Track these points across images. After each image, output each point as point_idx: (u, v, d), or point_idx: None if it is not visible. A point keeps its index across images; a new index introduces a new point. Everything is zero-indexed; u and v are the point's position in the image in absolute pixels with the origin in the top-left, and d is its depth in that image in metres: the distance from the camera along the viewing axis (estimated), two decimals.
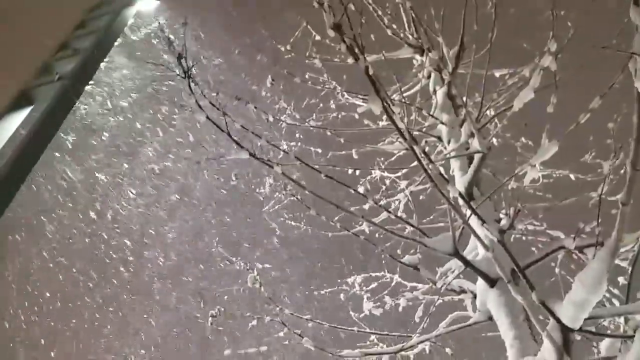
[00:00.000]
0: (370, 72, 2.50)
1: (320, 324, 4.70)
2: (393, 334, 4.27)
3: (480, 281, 3.80)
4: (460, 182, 4.20)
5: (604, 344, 3.16)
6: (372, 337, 5.05)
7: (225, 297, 5.24)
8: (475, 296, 3.91)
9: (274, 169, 3.53)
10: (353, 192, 4.32)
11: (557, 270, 4.15)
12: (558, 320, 2.72)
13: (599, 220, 3.20)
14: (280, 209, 5.57)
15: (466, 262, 3.70)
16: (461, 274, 4.07)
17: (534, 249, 4.85)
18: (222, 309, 5.29)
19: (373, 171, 6.40)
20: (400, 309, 4.90)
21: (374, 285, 5.61)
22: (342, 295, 5.61)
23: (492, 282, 3.70)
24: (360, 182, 6.20)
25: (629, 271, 3.13)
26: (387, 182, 6.48)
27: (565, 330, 2.73)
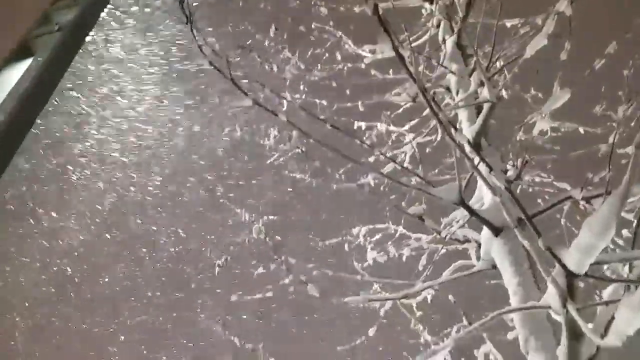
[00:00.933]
0: (380, 12, 2.41)
1: (324, 273, 4.76)
2: (397, 281, 4.31)
3: (485, 230, 3.80)
4: (468, 132, 4.15)
5: (607, 291, 3.18)
6: (376, 286, 5.12)
7: (231, 247, 5.28)
8: (479, 245, 3.93)
9: (279, 117, 3.48)
10: (359, 142, 4.28)
11: (562, 221, 4.15)
12: (563, 266, 2.73)
13: (609, 170, 3.16)
14: (285, 160, 5.55)
15: (471, 211, 3.69)
16: (466, 224, 4.08)
17: (540, 201, 4.84)
18: (228, 258, 5.37)
19: (379, 125, 6.34)
20: (404, 258, 4.95)
21: (378, 236, 5.65)
22: (346, 246, 5.66)
23: (496, 231, 3.70)
24: (366, 136, 6.15)
25: (635, 223, 3.12)
26: (393, 136, 6.43)
27: (570, 276, 2.74)
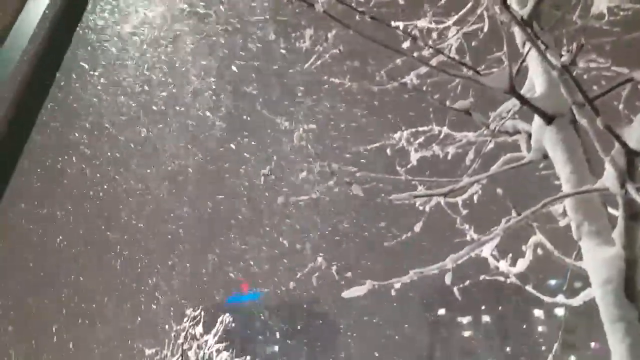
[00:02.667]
0: None
1: (367, 175, 4.76)
2: (442, 179, 4.26)
3: (537, 119, 3.64)
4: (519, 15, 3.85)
5: None
6: (420, 187, 5.10)
7: (274, 156, 5.31)
8: (530, 136, 3.78)
9: (315, 7, 3.30)
10: (402, 34, 4.07)
11: (620, 107, 3.92)
12: (623, 144, 2.59)
13: None
14: (323, 63, 5.38)
15: (522, 99, 3.52)
16: (516, 115, 3.91)
17: (595, 87, 4.55)
18: (272, 167, 5.43)
19: (418, 22, 5.98)
20: (449, 157, 4.85)
21: (421, 139, 5.53)
22: (388, 150, 5.58)
23: (549, 119, 3.53)
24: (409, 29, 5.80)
25: None
26: (435, 35, 6.08)
27: (630, 154, 2.61)
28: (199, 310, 7.70)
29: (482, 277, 5.26)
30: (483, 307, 79.05)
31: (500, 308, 76.57)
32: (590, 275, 2.99)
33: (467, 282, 5.24)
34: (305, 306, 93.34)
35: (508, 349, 73.97)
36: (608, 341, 2.86)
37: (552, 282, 74.51)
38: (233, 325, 8.85)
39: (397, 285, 4.41)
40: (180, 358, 7.20)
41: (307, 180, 4.81)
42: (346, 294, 4.44)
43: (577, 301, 3.87)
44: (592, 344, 72.93)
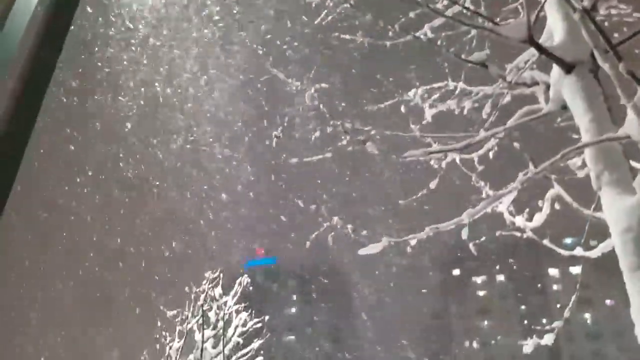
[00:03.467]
0: None
1: (381, 133, 4.70)
2: (457, 134, 4.20)
3: (555, 69, 3.53)
4: None
5: None
6: (435, 145, 5.03)
7: (286, 117, 5.26)
8: (548, 87, 3.68)
9: None
10: None
11: None
12: None
13: None
14: (333, 19, 5.24)
15: (541, 49, 3.41)
16: (534, 65, 3.80)
17: (616, 35, 4.39)
18: (283, 127, 5.38)
19: None
20: (465, 112, 4.77)
21: (436, 95, 5.42)
22: (402, 108, 5.49)
23: (568, 67, 3.43)
24: None
25: None
26: None
27: None
28: (217, 272, 7.83)
29: (498, 232, 5.25)
30: (497, 267, 79.54)
31: (515, 267, 76.97)
32: (609, 225, 2.96)
33: (483, 238, 5.23)
34: (321, 269, 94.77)
35: (523, 307, 74.72)
36: (627, 290, 2.85)
37: (568, 240, 74.44)
38: (251, 288, 8.98)
39: (413, 242, 4.41)
40: (201, 319, 7.38)
41: (321, 140, 4.77)
42: (362, 251, 4.46)
43: (594, 253, 3.84)
44: (608, 301, 73.39)
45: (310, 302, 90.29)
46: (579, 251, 4.02)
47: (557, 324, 4.39)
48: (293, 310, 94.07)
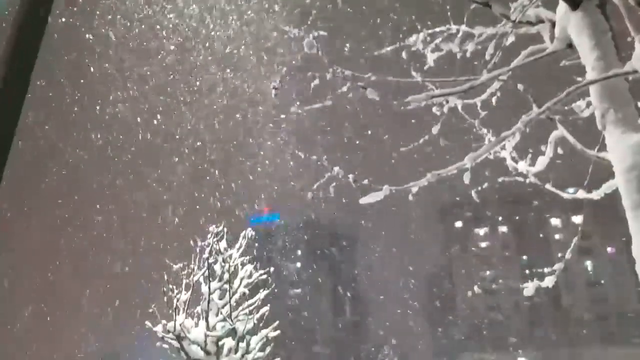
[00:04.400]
0: None
1: (382, 79, 4.59)
2: (460, 78, 4.09)
3: (561, 5, 3.40)
4: None
5: None
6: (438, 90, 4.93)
7: (284, 68, 5.14)
8: (553, 25, 3.56)
9: None
10: None
11: None
12: None
13: None
14: None
15: None
16: (539, 2, 3.66)
17: None
18: (282, 76, 5.26)
19: None
20: (468, 54, 4.64)
21: (438, 39, 5.26)
22: (403, 54, 5.35)
23: (575, 3, 3.30)
24: None
25: None
26: None
27: None
28: (221, 227, 7.90)
29: (500, 179, 5.23)
30: (500, 218, 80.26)
31: (517, 218, 77.65)
32: (614, 164, 2.92)
33: (485, 185, 5.21)
34: (324, 224, 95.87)
35: (524, 257, 75.89)
36: (630, 228, 2.84)
37: (570, 190, 74.68)
38: (257, 245, 9.07)
39: (415, 190, 4.40)
40: (207, 272, 7.50)
41: (320, 87, 4.67)
42: (364, 199, 4.45)
43: (597, 194, 3.83)
44: (609, 249, 74.43)
45: (315, 257, 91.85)
46: (581, 194, 4.01)
47: (557, 266, 4.43)
48: (298, 264, 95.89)
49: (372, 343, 73.60)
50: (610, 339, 64.76)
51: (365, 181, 4.51)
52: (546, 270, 4.92)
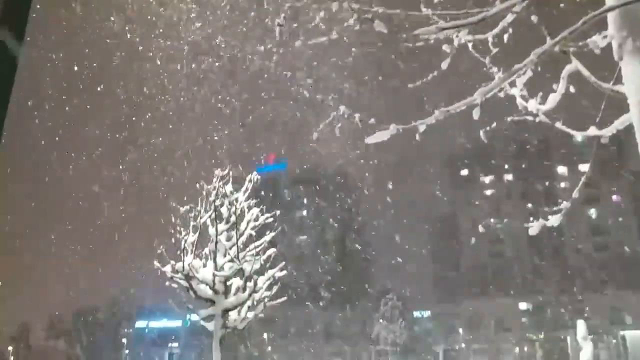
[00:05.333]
0: None
1: (389, 13, 4.41)
2: (472, 10, 3.92)
3: None
4: None
5: None
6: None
7: (287, 3, 4.94)
8: None
9: None
10: None
11: None
12: None
13: None
14: None
15: None
16: None
17: None
18: (286, 14, 5.08)
19: None
20: None
21: None
22: None
23: None
24: None
25: None
26: None
27: None
28: (227, 170, 7.91)
29: (509, 118, 5.13)
30: (506, 166, 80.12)
31: (523, 166, 77.47)
32: (629, 96, 2.82)
33: (494, 125, 5.12)
34: (330, 172, 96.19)
35: (529, 205, 76.22)
36: None
37: (579, 137, 73.93)
38: (263, 193, 9.09)
39: (422, 128, 4.32)
40: (213, 214, 7.57)
41: (326, 20, 4.51)
42: (370, 139, 4.39)
43: (610, 130, 3.74)
44: (614, 197, 74.56)
45: (321, 205, 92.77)
46: (593, 131, 3.92)
47: (564, 205, 4.40)
48: (304, 213, 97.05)
49: (377, 288, 75.50)
50: (612, 285, 65.99)
51: (372, 120, 4.44)
52: (551, 218, 4.90)
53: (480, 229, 79.94)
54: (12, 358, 74.63)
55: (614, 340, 33.94)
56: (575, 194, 4.40)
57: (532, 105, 4.66)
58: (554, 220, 4.47)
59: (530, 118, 4.77)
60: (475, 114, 3.65)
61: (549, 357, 46.48)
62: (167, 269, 7.36)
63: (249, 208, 8.37)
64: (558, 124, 4.50)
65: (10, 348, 78.95)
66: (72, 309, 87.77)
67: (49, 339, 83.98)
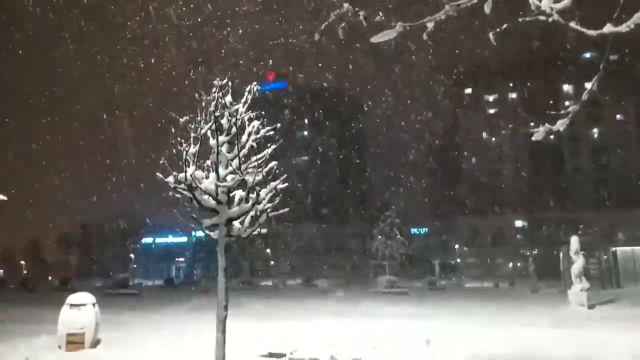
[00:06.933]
0: None
1: None
2: None
3: None
4: None
5: None
6: None
7: None
8: None
9: None
10: None
11: None
12: None
13: None
14: None
15: None
16: None
17: None
18: None
19: None
20: None
21: None
22: None
23: None
24: None
25: None
26: None
27: None
28: (226, 80, 7.70)
29: (520, 19, 4.87)
30: (511, 84, 78.72)
31: (528, 84, 76.10)
32: None
33: (505, 26, 4.87)
34: (331, 91, 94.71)
35: (532, 124, 75.71)
36: None
37: (587, 54, 71.95)
38: (263, 113, 8.95)
39: (431, 25, 4.14)
40: (214, 125, 7.49)
41: None
42: (375, 38, 4.23)
43: (626, 25, 3.56)
44: (617, 116, 73.95)
45: (321, 123, 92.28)
46: (608, 27, 3.72)
47: (572, 108, 4.30)
48: (305, 133, 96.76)
49: (376, 205, 77.10)
50: (609, 204, 67.17)
51: (378, 18, 4.23)
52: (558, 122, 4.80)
53: (484, 135, 79.86)
54: (25, 271, 78.03)
55: (605, 256, 35.01)
56: (584, 96, 4.28)
57: (545, 3, 4.41)
58: (560, 124, 4.38)
59: (542, 18, 4.54)
60: (487, 7, 3.45)
61: (541, 271, 48.38)
62: (170, 179, 7.42)
63: (250, 120, 8.27)
64: (572, 24, 4.29)
65: (23, 262, 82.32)
66: (80, 226, 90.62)
67: (60, 254, 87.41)
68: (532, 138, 4.72)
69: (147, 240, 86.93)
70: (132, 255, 74.57)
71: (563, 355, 10.52)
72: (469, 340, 12.30)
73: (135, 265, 74.04)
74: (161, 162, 7.59)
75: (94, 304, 11.27)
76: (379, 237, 49.56)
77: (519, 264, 67.48)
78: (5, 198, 10.78)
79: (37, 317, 17.23)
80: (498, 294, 35.69)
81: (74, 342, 10.68)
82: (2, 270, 60.60)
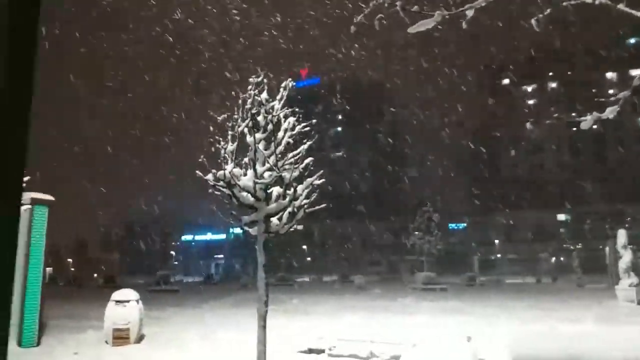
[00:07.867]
0: None
1: None
2: None
3: None
4: None
5: None
6: None
7: None
8: None
9: None
10: None
11: None
12: None
13: None
14: None
15: None
16: None
17: None
18: None
19: None
20: None
21: None
22: None
23: None
24: None
25: None
26: None
27: None
28: (261, 77, 7.74)
29: (564, 3, 4.69)
30: (551, 74, 76.33)
31: (569, 74, 73.60)
32: None
33: (548, 11, 4.70)
34: (365, 87, 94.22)
35: (574, 114, 73.27)
36: None
37: (632, 40, 68.99)
38: (297, 109, 8.93)
39: (470, 13, 4.03)
40: (250, 122, 7.54)
41: None
42: (412, 28, 4.15)
43: None
44: None
45: (355, 118, 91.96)
46: None
47: (623, 94, 4.11)
48: (339, 129, 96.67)
49: (412, 201, 76.30)
50: None
51: (416, 7, 4.15)
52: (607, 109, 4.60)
53: (529, 125, 77.81)
54: (72, 269, 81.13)
55: None
56: (636, 82, 4.08)
57: None
58: (609, 112, 4.20)
59: (588, 0, 4.35)
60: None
61: (585, 266, 46.81)
62: (209, 177, 7.52)
63: (285, 117, 8.29)
64: (621, 5, 4.09)
65: (70, 260, 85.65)
66: (123, 225, 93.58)
67: (104, 252, 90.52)
68: (581, 126, 4.55)
69: (187, 237, 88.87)
70: (173, 253, 76.38)
71: (615, 355, 10.13)
72: (510, 337, 12.02)
73: (176, 262, 75.79)
74: (200, 160, 7.70)
75: (137, 300, 11.57)
76: (416, 232, 48.99)
77: (562, 259, 65.51)
78: (52, 199, 11.18)
79: (83, 313, 17.85)
80: (541, 289, 34.75)
81: (120, 337, 11.00)
82: (51, 268, 63.28)
